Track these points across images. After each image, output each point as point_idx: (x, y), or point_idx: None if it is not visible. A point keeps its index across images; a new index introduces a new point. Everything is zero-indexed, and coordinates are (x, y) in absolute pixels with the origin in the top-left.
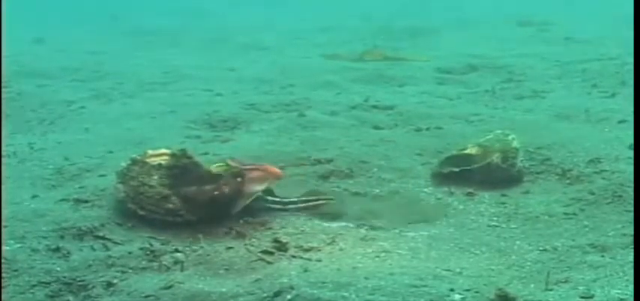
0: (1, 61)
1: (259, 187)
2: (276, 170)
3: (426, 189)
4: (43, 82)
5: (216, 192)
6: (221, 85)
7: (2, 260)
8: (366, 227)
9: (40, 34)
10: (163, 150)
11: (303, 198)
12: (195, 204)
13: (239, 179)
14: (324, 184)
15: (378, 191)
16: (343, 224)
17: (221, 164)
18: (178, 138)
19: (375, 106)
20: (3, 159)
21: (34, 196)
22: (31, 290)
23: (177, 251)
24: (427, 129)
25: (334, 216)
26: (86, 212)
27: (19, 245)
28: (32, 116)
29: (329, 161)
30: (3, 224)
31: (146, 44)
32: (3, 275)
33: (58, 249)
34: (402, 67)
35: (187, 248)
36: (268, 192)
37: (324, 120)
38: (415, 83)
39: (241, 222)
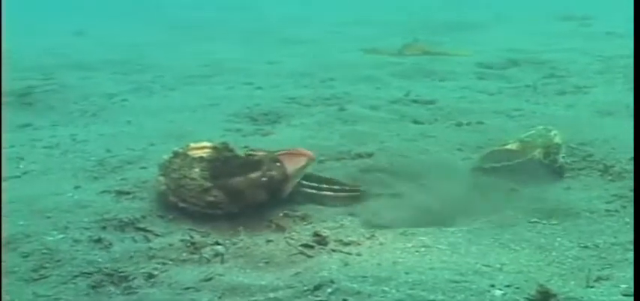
0: (1, 60)
1: (301, 167)
2: (309, 152)
3: (466, 184)
4: (86, 74)
5: (263, 179)
6: (261, 79)
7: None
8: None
9: (81, 26)
10: (205, 143)
11: (336, 187)
12: (241, 194)
13: (278, 163)
14: (364, 178)
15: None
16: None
17: (249, 151)
18: (219, 132)
19: (415, 101)
20: (46, 150)
21: (76, 187)
22: (73, 281)
23: (217, 243)
24: (468, 124)
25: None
26: (128, 203)
27: (61, 235)
28: (74, 108)
29: (369, 155)
30: (46, 215)
31: (186, 37)
32: (45, 265)
33: (99, 240)
34: (443, 62)
35: (227, 241)
36: (306, 176)
37: (364, 115)
38: (455, 78)
39: (281, 215)
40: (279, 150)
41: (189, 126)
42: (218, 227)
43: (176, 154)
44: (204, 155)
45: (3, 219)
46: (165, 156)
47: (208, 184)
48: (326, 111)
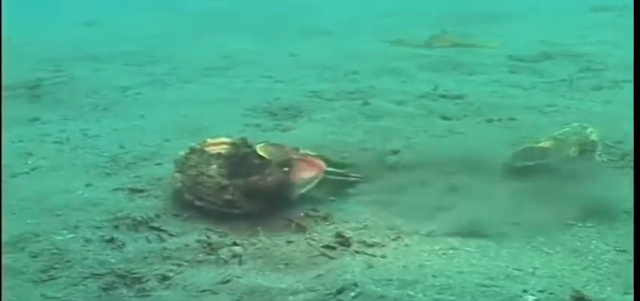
0: (1, 60)
1: (311, 178)
2: (321, 164)
3: (498, 183)
4: (97, 66)
5: (260, 183)
6: (281, 72)
7: (2, 259)
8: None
9: (93, 16)
10: (223, 139)
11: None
12: (257, 194)
13: (285, 168)
14: (389, 177)
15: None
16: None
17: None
18: (237, 127)
19: (443, 95)
20: (56, 145)
21: (87, 185)
22: (84, 282)
23: (235, 244)
24: (499, 120)
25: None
26: (141, 202)
27: (72, 235)
28: (85, 101)
29: (395, 152)
30: (55, 213)
31: (202, 27)
32: (55, 265)
33: (112, 240)
34: (472, 54)
35: (246, 242)
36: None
37: (389, 110)
38: (486, 71)
39: (302, 214)
40: (298, 151)
41: (205, 120)
42: (236, 227)
43: (192, 150)
44: (222, 151)
45: (11, 216)
46: (181, 152)
47: (226, 182)
48: (349, 105)
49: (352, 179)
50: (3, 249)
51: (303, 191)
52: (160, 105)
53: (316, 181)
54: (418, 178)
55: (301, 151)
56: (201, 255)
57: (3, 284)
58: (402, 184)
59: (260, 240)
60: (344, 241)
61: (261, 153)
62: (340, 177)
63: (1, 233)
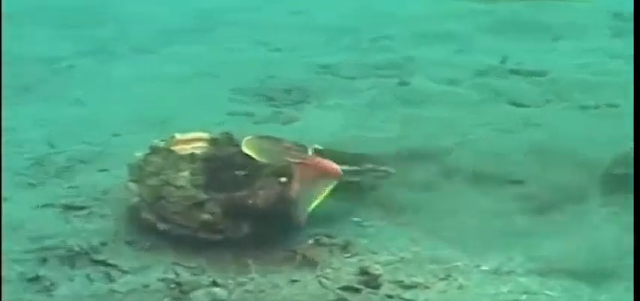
0: (1, 61)
1: (317, 191)
2: (335, 167)
3: (592, 200)
4: (11, 30)
5: (250, 201)
6: (280, 36)
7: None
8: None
9: None
10: (198, 134)
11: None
12: (247, 213)
13: (283, 179)
14: (442, 186)
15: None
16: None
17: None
18: (218, 116)
19: (515, 71)
20: None
21: (2, 199)
22: None
23: (215, 284)
24: (596, 107)
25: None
26: (80, 224)
27: None
28: None
29: (445, 154)
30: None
31: None
32: None
33: (37, 279)
34: (558, 10)
35: (231, 281)
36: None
37: (436, 93)
38: (577, 35)
39: (310, 241)
40: (304, 149)
41: (173, 107)
42: (217, 259)
43: (154, 150)
44: (196, 151)
45: None
46: (138, 153)
47: (202, 195)
48: (379, 86)
49: (381, 172)
50: None
51: (311, 208)
52: (106, 86)
53: (328, 190)
54: (477, 190)
55: (311, 147)
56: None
57: None
58: (455, 199)
59: (251, 279)
60: (371, 280)
61: (248, 152)
62: (364, 175)
63: (0, 235)
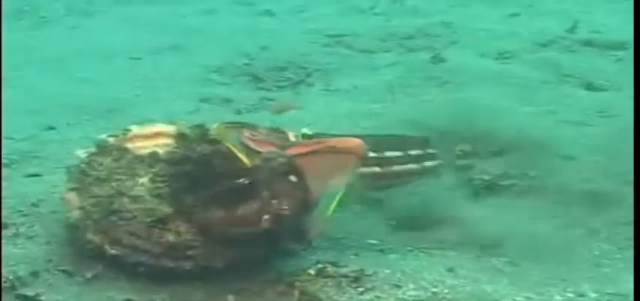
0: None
1: (337, 183)
2: (356, 143)
3: None
4: None
5: (265, 217)
6: None
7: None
8: (569, 288)
9: None
10: (161, 127)
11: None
12: (229, 235)
13: (292, 177)
14: (488, 197)
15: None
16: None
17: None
18: (188, 103)
19: (586, 42)
20: None
21: None
22: None
23: None
24: None
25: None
26: (3, 247)
27: None
28: None
29: (495, 154)
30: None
31: None
32: None
33: None
34: None
35: None
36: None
37: (481, 70)
38: None
39: (312, 271)
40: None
41: (127, 90)
42: (185, 295)
43: (103, 148)
44: (158, 150)
45: None
46: (80, 152)
47: (167, 209)
48: (405, 62)
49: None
50: None
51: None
52: (35, 60)
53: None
54: (539, 203)
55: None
56: None
57: None
58: (510, 212)
59: None
60: None
61: (228, 148)
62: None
63: (1, 233)
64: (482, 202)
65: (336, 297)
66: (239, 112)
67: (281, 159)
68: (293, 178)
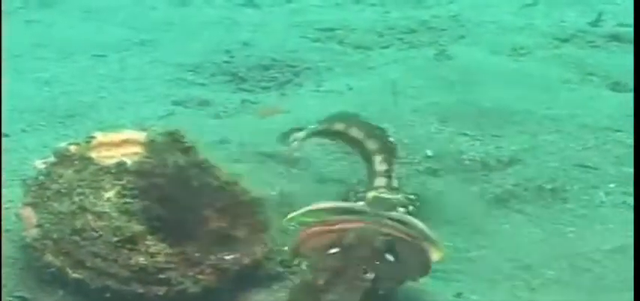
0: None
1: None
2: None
3: None
4: None
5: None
6: None
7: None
8: None
9: None
10: (129, 134)
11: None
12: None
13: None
14: (501, 216)
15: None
16: None
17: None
18: (160, 105)
19: (612, 36)
20: None
21: None
22: None
23: None
24: None
25: None
26: None
27: None
28: None
29: (507, 164)
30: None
31: None
32: None
33: None
34: None
35: None
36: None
37: (492, 69)
38: None
39: None
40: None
41: (90, 91)
42: None
43: (63, 158)
44: (127, 160)
45: None
46: (38, 163)
47: (138, 227)
48: (406, 60)
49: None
50: None
51: None
52: None
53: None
54: (556, 221)
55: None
56: None
57: None
58: (521, 236)
59: None
60: None
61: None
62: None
63: (1, 236)
64: (491, 223)
65: None
66: (218, 116)
67: (381, 238)
68: (390, 257)
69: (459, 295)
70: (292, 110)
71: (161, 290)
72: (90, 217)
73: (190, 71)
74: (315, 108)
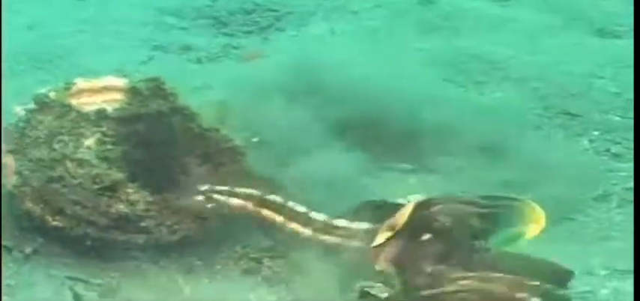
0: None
1: None
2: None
3: None
4: None
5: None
6: None
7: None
8: None
9: None
10: (110, 80)
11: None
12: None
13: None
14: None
15: None
16: None
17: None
18: (141, 50)
19: None
20: None
21: None
22: None
23: None
24: None
25: None
26: None
27: None
28: None
29: (491, 111)
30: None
31: None
32: None
33: None
34: None
35: None
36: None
37: (477, 13)
38: None
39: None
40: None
41: (70, 36)
42: (137, 273)
43: (43, 104)
44: (107, 107)
45: None
46: (18, 109)
47: (118, 174)
48: (389, 4)
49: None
50: None
51: None
52: None
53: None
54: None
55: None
56: None
57: None
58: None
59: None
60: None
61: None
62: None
63: (1, 236)
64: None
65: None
66: (199, 61)
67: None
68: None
69: None
70: (272, 55)
71: (141, 239)
72: (70, 165)
73: (171, 15)
74: (296, 53)
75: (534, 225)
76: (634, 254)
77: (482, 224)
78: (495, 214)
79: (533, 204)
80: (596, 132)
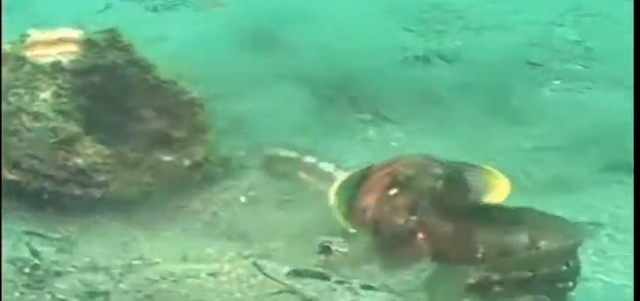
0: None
1: None
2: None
3: None
4: None
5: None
6: None
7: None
8: None
9: None
10: (65, 32)
11: None
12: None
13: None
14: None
15: None
16: None
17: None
18: (96, 2)
19: None
20: None
21: None
22: None
23: (93, 268)
24: None
25: None
26: None
27: None
28: None
29: (451, 61)
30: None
31: None
32: None
33: None
34: None
35: (117, 262)
36: None
37: None
38: None
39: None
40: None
41: None
42: (94, 228)
43: None
44: (63, 59)
45: None
46: None
47: (75, 127)
48: None
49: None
50: None
51: None
52: None
53: None
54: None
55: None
56: (19, 291)
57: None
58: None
59: (144, 261)
60: None
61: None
62: None
63: (1, 237)
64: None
65: None
66: (155, 10)
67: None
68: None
69: None
70: (233, 3)
71: (98, 193)
72: (25, 118)
73: None
74: (256, 3)
75: (496, 192)
76: (634, 254)
77: (444, 186)
78: (456, 178)
79: (497, 172)
80: (557, 82)
